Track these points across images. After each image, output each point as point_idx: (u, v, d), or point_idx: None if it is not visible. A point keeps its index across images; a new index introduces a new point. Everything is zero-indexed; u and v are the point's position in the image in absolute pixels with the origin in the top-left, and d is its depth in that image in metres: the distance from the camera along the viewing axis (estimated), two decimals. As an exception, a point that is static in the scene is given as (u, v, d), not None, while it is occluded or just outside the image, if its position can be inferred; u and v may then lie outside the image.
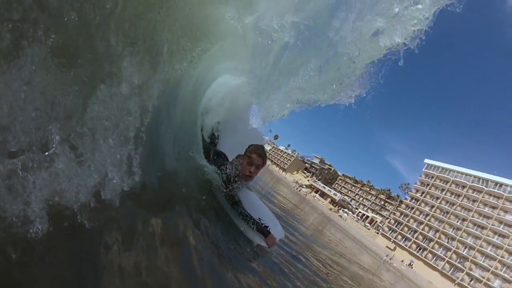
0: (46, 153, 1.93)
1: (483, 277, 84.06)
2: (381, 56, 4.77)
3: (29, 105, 1.92)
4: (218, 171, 4.52)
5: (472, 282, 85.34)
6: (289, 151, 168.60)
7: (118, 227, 2.48)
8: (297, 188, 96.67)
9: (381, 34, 4.66)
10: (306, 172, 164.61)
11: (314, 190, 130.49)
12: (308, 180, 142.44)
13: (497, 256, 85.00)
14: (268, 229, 4.44)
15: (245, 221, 4.31)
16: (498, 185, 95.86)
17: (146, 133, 2.81)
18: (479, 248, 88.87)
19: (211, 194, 4.59)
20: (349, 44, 4.76)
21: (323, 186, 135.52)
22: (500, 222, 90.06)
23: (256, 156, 4.38)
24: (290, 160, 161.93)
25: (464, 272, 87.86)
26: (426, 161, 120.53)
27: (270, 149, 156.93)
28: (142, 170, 2.81)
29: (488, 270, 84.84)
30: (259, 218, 4.54)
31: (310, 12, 4.42)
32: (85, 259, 1.98)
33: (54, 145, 1.97)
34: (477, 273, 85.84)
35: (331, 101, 5.14)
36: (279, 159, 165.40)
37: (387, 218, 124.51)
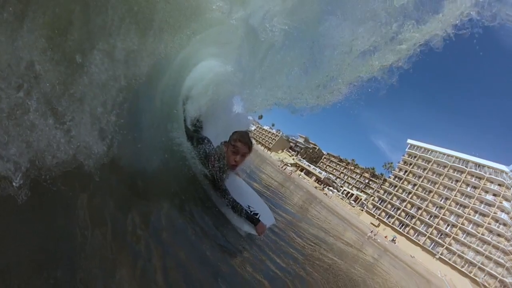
0: (26, 117, 1.89)
1: (464, 253, 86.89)
2: (371, 76, 4.60)
3: (13, 71, 1.87)
4: (196, 151, 4.34)
5: (454, 258, 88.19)
6: (274, 131, 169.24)
7: (98, 201, 2.47)
8: (282, 167, 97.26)
9: (373, 53, 4.51)
10: (291, 151, 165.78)
11: (299, 168, 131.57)
12: (293, 159, 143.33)
13: (477, 234, 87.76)
14: (258, 216, 4.30)
15: (233, 209, 4.13)
16: (480, 166, 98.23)
17: (128, 111, 2.84)
18: (461, 226, 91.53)
19: (196, 180, 4.42)
20: (337, 57, 4.63)
21: (308, 165, 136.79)
22: (481, 202, 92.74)
23: (241, 144, 4.16)
24: (275, 140, 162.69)
25: (444, 247, 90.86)
26: (409, 141, 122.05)
27: (255, 129, 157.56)
28: (123, 146, 2.80)
29: (468, 247, 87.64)
30: (248, 206, 4.43)
31: (302, 17, 4.27)
32: (60, 228, 1.95)
33: (34, 109, 1.94)
34: (456, 248, 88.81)
35: (317, 104, 4.95)
36: (263, 139, 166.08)
37: (371, 196, 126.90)
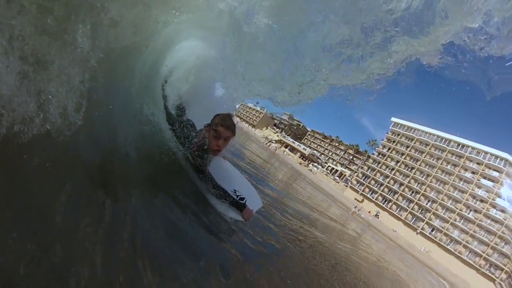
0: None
1: (443, 228, 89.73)
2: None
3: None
4: (176, 135, 4.15)
5: (433, 232, 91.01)
6: (258, 108, 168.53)
7: (78, 186, 2.40)
8: (266, 144, 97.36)
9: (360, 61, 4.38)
10: (275, 128, 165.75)
11: (284, 145, 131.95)
12: (278, 136, 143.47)
13: (456, 209, 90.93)
14: (244, 201, 4.18)
15: (216, 196, 3.97)
16: (460, 145, 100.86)
17: (108, 91, 2.92)
18: (441, 202, 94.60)
19: (177, 164, 4.28)
20: (321, 57, 4.50)
21: (293, 141, 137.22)
22: (460, 179, 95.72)
23: (223, 129, 3.88)
24: (259, 117, 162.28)
25: (425, 222, 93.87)
26: (393, 119, 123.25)
27: (239, 107, 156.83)
28: (101, 128, 2.91)
29: (447, 222, 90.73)
30: (234, 190, 4.29)
31: (287, 13, 4.16)
32: (44, 217, 1.92)
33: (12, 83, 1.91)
34: (437, 223, 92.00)
35: (299, 100, 4.84)
36: (248, 116, 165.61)
37: (355, 172, 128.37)
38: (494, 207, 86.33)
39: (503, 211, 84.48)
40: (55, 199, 2.03)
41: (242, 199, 4.23)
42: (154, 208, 3.11)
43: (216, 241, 3.45)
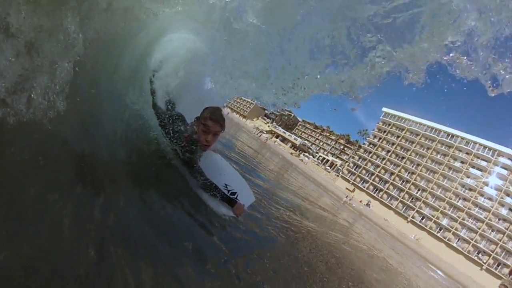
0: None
1: (433, 216, 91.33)
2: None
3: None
4: (165, 130, 3.97)
5: (423, 220, 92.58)
6: (249, 99, 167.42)
7: (64, 182, 2.33)
8: (257, 134, 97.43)
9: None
10: (266, 118, 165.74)
11: (275, 135, 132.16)
12: (269, 126, 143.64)
13: (445, 198, 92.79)
14: (235, 196, 4.14)
15: (208, 191, 3.88)
16: (450, 135, 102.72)
17: (93, 82, 2.92)
18: (431, 190, 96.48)
19: (166, 158, 4.18)
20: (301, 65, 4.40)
21: (284, 132, 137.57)
22: (450, 168, 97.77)
23: (212, 123, 3.76)
24: (250, 107, 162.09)
25: (415, 210, 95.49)
26: (384, 109, 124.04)
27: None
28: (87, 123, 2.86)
29: (437, 210, 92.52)
30: (226, 185, 4.22)
31: (278, 16, 4.08)
32: (31, 212, 1.86)
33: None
34: (427, 211, 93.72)
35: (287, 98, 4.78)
36: (238, 107, 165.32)
37: (347, 162, 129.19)
38: (482, 195, 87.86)
39: (490, 199, 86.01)
40: (46, 196, 2.01)
41: (234, 193, 4.18)
42: (145, 204, 3.07)
43: (208, 235, 3.43)
